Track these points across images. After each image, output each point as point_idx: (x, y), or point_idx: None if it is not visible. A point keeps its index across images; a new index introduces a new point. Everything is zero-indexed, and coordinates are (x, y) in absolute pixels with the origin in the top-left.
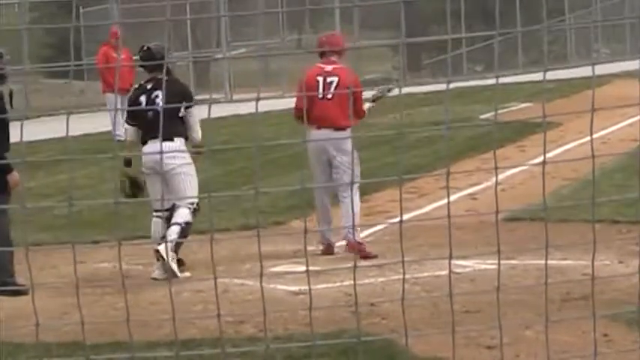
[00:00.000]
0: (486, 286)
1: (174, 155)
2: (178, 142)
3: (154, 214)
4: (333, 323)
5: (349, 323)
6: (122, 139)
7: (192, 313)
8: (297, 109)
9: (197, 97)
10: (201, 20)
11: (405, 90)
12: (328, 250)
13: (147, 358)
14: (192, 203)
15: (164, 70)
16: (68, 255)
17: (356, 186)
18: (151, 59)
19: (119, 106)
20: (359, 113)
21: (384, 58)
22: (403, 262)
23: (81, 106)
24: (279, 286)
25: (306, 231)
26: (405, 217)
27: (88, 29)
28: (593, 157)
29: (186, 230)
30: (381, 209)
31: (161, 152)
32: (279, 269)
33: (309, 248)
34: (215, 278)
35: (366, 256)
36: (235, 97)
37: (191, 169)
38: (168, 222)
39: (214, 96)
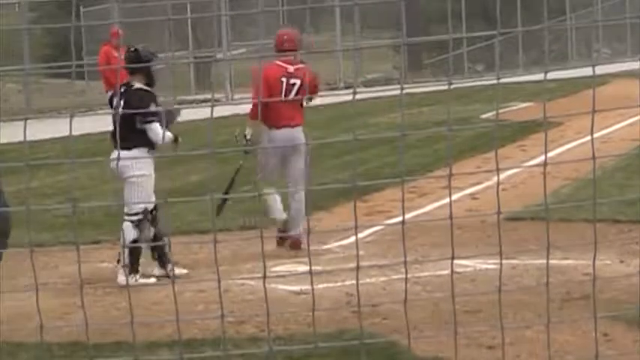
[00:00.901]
0: (487, 286)
1: (126, 165)
2: (135, 152)
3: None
4: (335, 323)
5: (350, 323)
6: None
7: (194, 313)
8: (257, 108)
9: (198, 97)
10: (201, 20)
11: (406, 90)
12: (296, 243)
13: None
14: (137, 214)
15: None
16: (69, 255)
17: (303, 184)
18: (137, 62)
19: None
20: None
21: (385, 58)
22: (405, 262)
23: (82, 106)
24: (280, 286)
25: (309, 231)
26: (406, 216)
27: (88, 29)
28: (594, 157)
29: (135, 249)
30: (381, 209)
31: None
32: (280, 269)
33: (311, 248)
34: (219, 280)
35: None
36: (236, 96)
37: (142, 180)
38: (152, 223)
39: (215, 96)
